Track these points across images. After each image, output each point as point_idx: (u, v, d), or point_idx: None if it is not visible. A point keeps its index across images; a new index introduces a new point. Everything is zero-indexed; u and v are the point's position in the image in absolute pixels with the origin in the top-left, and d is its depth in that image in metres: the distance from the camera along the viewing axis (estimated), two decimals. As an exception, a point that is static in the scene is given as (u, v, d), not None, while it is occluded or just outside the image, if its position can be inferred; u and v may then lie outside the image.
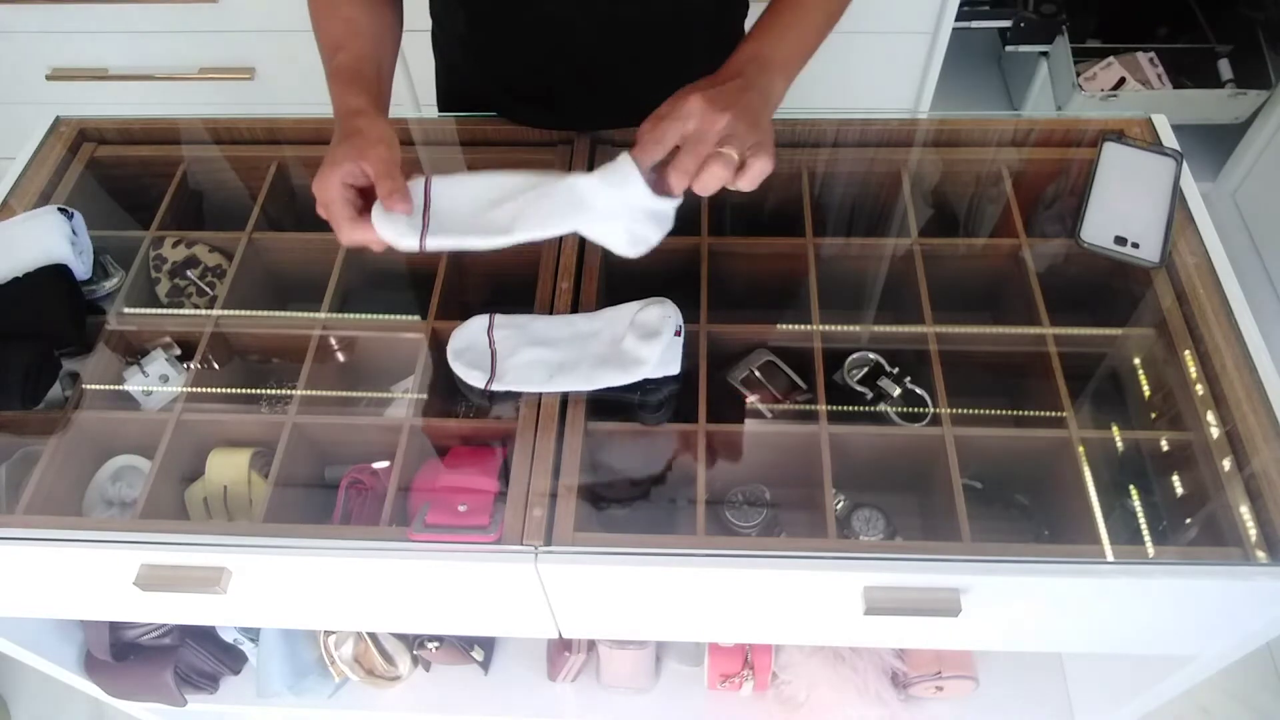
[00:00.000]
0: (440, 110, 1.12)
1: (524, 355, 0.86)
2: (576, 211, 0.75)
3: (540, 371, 0.85)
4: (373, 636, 1.22)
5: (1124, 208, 0.96)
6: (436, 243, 0.76)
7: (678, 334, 0.87)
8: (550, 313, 0.91)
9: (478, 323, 0.90)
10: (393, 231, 0.75)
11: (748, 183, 0.70)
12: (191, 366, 0.96)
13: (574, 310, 0.92)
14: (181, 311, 1.00)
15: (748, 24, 0.91)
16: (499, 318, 0.90)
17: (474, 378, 0.85)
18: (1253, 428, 0.80)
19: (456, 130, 1.07)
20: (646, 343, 0.84)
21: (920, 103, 1.65)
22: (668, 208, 0.74)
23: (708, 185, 0.69)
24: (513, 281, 0.96)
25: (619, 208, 0.74)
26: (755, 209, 1.09)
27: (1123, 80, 1.89)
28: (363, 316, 0.99)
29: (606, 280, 0.96)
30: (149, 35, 1.57)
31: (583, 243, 0.96)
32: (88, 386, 0.93)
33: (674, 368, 0.86)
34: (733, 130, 0.69)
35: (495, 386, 0.84)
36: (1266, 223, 1.93)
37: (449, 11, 1.01)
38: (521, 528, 0.79)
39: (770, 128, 0.72)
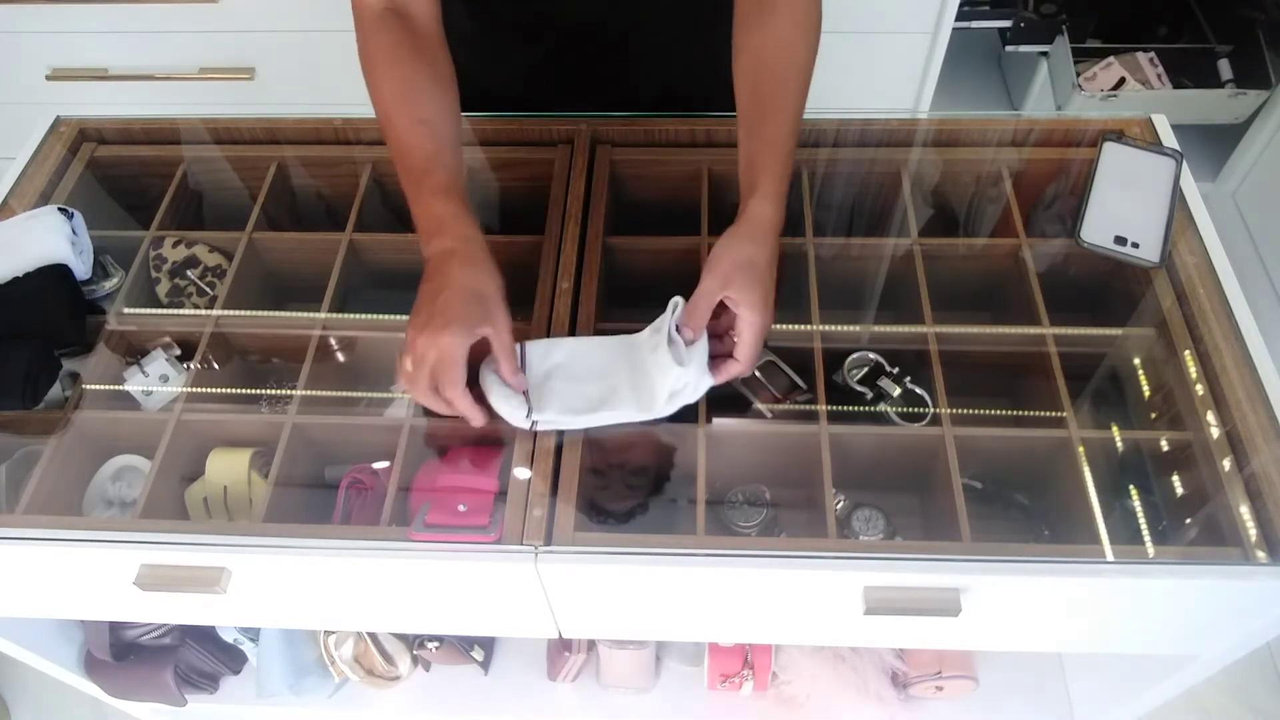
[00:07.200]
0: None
1: (557, 384, 0.84)
2: (644, 381, 0.81)
3: (577, 402, 0.83)
4: (373, 636, 1.22)
5: (1124, 208, 0.96)
6: (543, 419, 0.81)
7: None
8: (550, 312, 0.91)
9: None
10: (508, 408, 0.80)
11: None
12: (191, 366, 0.96)
13: (574, 309, 0.91)
14: (181, 311, 1.00)
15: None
16: (529, 345, 0.86)
17: (512, 407, 0.81)
18: (1253, 428, 0.80)
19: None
20: (684, 373, 0.81)
21: (920, 103, 1.65)
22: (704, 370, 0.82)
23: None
24: (513, 280, 0.95)
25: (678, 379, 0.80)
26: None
27: (1123, 80, 1.89)
28: (363, 316, 0.99)
29: (607, 279, 0.96)
30: (149, 35, 1.57)
31: (583, 241, 0.96)
32: (88, 386, 0.93)
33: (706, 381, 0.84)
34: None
35: (536, 416, 0.81)
36: (1266, 223, 1.93)
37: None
38: (521, 528, 0.79)
39: (772, 284, 0.80)
